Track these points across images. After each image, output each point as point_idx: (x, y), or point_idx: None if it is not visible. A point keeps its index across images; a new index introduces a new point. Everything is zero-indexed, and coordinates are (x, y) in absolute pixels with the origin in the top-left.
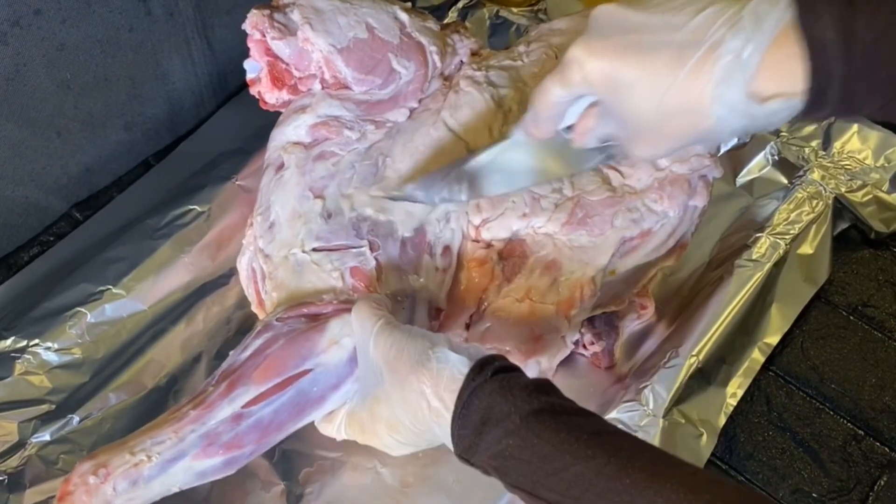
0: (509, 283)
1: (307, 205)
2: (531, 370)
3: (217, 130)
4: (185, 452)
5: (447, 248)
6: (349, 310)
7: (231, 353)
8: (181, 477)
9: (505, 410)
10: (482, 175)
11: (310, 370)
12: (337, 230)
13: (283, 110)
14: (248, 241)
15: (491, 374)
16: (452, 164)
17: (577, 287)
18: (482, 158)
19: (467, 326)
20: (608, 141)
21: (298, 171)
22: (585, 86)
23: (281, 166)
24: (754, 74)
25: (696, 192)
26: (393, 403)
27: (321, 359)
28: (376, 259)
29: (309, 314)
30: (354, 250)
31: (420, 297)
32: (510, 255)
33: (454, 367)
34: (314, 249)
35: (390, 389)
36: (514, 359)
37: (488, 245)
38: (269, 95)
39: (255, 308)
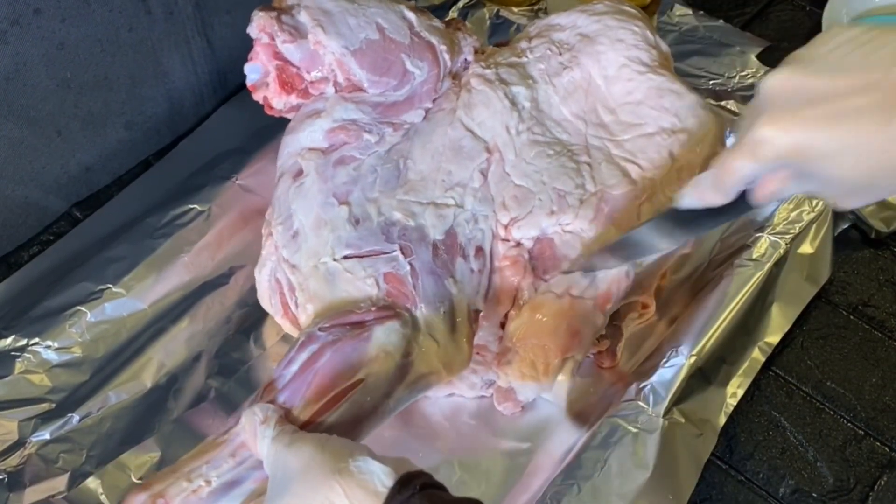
0: (543, 280)
1: (332, 212)
2: (567, 365)
3: (217, 129)
4: (246, 476)
5: (479, 249)
6: (391, 316)
7: (276, 367)
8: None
9: None
10: (644, 242)
11: (361, 380)
12: (366, 236)
13: (289, 115)
14: (267, 252)
15: (419, 488)
16: (618, 240)
17: (615, 282)
18: (643, 231)
19: (502, 325)
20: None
21: (319, 177)
22: (779, 161)
23: (299, 173)
24: None
25: None
26: None
27: (371, 368)
28: (410, 264)
29: (351, 322)
30: (386, 255)
31: (458, 301)
32: (540, 256)
33: (377, 479)
34: (345, 257)
35: (298, 501)
36: (552, 354)
37: (518, 244)
38: (278, 101)
39: (279, 319)
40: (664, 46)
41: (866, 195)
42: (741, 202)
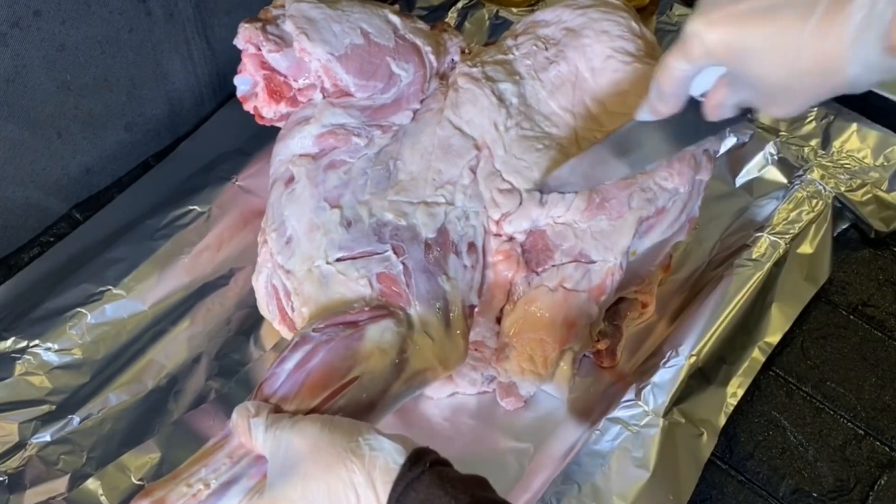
0: (536, 273)
1: (324, 215)
2: (565, 358)
3: (217, 131)
4: (242, 474)
5: (472, 245)
6: (385, 315)
7: (270, 368)
8: (240, 499)
9: (445, 503)
10: (612, 159)
11: (356, 378)
12: (358, 238)
13: (279, 124)
14: (263, 260)
15: (429, 465)
16: (583, 153)
17: (609, 273)
18: (611, 142)
19: (498, 320)
20: (742, 108)
21: (310, 182)
22: (708, 58)
23: (290, 180)
24: (889, 28)
25: (701, 166)
26: (312, 498)
27: (366, 366)
28: (403, 263)
29: (345, 322)
30: (378, 256)
31: (452, 298)
32: (533, 248)
33: (388, 456)
34: (338, 259)
35: (311, 481)
36: (549, 347)
37: (510, 238)
38: (267, 110)
39: (277, 325)
40: (650, 35)
41: (789, 100)
42: (700, 122)
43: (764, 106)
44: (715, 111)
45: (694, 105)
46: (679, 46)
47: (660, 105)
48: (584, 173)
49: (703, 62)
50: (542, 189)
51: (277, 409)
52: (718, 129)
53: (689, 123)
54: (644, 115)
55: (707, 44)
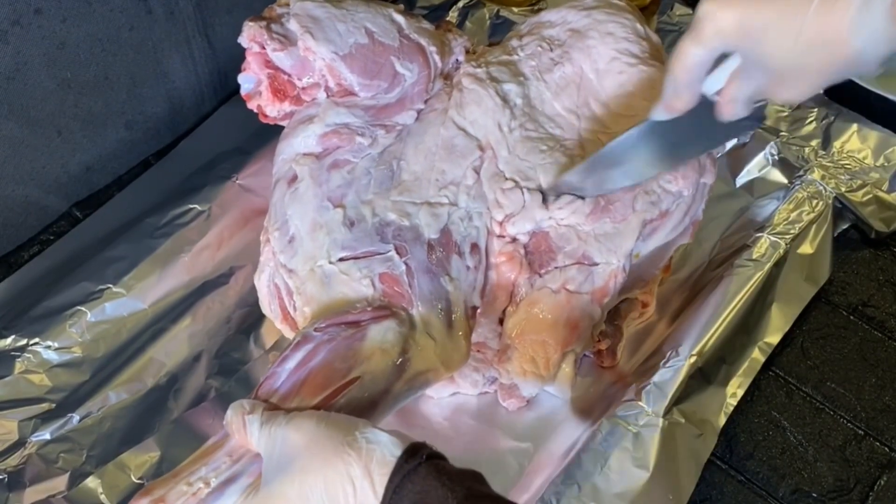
0: (539, 275)
1: (328, 215)
2: (567, 360)
3: (217, 129)
4: (241, 472)
5: (475, 246)
6: (387, 315)
7: (271, 367)
8: (237, 497)
9: (441, 495)
10: (624, 163)
11: (357, 378)
12: (361, 237)
13: (283, 123)
14: (265, 259)
15: (425, 458)
16: (596, 154)
17: (612, 276)
18: (623, 144)
19: (500, 322)
20: (756, 103)
21: (313, 181)
22: (720, 38)
23: (293, 179)
24: None
25: (705, 169)
26: (308, 493)
27: (367, 366)
28: (406, 264)
29: (347, 322)
30: (381, 256)
31: (454, 298)
32: (536, 250)
33: (385, 449)
34: (340, 259)
35: (308, 475)
36: (551, 349)
37: (513, 240)
38: (271, 108)
39: (279, 324)
40: (655, 37)
41: (799, 80)
42: (715, 124)
43: (774, 88)
44: (729, 107)
45: (708, 109)
46: (691, 31)
47: (675, 100)
48: (593, 180)
49: (715, 43)
50: (550, 193)
51: (274, 407)
52: (730, 135)
53: (703, 128)
54: (659, 113)
55: (719, 24)
